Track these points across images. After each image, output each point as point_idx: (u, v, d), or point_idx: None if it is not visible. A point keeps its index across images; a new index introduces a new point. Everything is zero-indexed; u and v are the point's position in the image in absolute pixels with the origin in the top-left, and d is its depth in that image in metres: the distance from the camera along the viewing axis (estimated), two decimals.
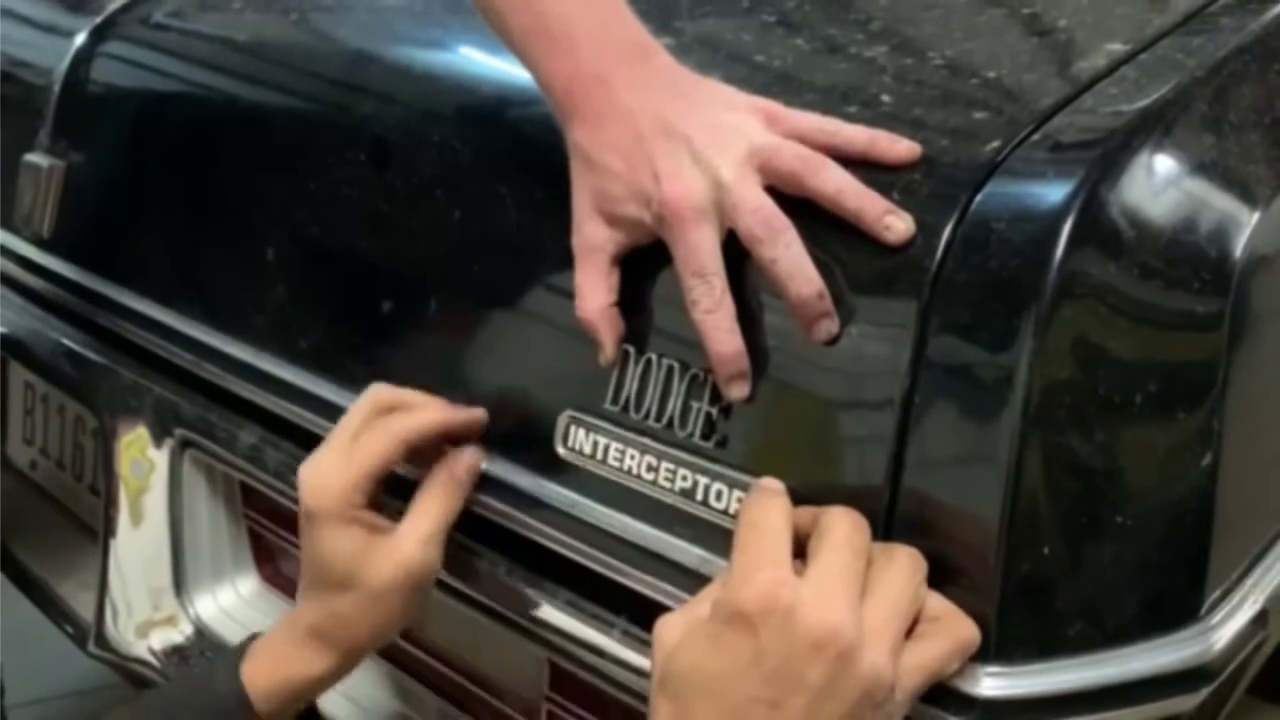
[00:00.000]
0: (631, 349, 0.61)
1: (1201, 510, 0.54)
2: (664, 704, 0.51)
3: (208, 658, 0.83)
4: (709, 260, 0.56)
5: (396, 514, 0.66)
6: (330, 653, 0.65)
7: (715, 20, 0.77)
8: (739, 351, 0.56)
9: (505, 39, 0.64)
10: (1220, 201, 0.57)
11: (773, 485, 0.55)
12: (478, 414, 0.67)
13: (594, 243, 0.60)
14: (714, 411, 0.59)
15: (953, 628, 0.51)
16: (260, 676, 0.65)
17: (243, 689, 0.65)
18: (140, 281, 0.90)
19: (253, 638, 0.69)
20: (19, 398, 1.06)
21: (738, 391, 0.57)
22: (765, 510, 0.53)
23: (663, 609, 0.60)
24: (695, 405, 0.59)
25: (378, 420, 0.66)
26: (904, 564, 0.52)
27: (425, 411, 0.66)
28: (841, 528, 0.52)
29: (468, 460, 0.66)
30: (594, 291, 0.60)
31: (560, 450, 0.64)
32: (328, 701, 0.76)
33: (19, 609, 1.00)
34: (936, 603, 0.52)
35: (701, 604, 0.52)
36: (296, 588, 0.87)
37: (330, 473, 0.64)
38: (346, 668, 0.67)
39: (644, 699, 0.62)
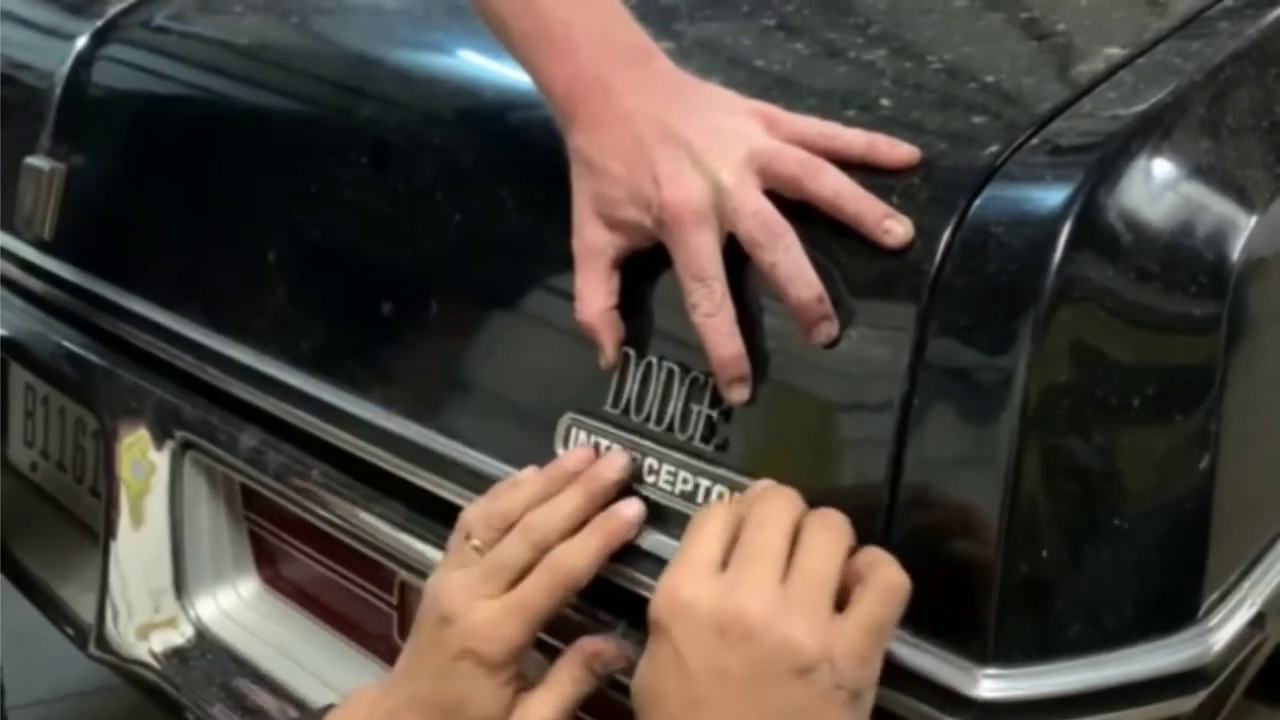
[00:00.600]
0: (632, 352, 0.61)
1: (1199, 512, 0.55)
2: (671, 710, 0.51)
3: None
4: (709, 264, 0.56)
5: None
6: None
7: (715, 24, 0.77)
8: (739, 355, 0.56)
9: (506, 43, 0.64)
10: (1218, 205, 0.57)
11: (718, 502, 0.55)
12: (632, 518, 0.60)
13: (594, 246, 0.60)
14: (714, 414, 0.59)
15: (881, 579, 0.51)
16: None
17: None
18: (141, 284, 0.91)
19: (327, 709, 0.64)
20: (20, 400, 1.06)
21: (738, 394, 0.57)
22: (698, 518, 0.54)
23: None
24: (696, 408, 0.59)
25: (544, 565, 0.58)
26: (825, 530, 0.52)
27: (590, 547, 0.59)
28: (760, 507, 0.53)
29: (612, 652, 0.59)
30: (594, 294, 0.60)
31: (560, 453, 0.64)
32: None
33: (20, 610, 1.00)
34: (864, 557, 0.51)
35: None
36: (297, 590, 0.88)
37: (502, 622, 0.57)
38: None
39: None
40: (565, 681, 0.59)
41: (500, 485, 0.63)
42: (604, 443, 0.63)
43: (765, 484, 0.55)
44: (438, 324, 0.73)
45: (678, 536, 0.60)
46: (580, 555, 0.58)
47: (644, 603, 0.60)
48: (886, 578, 0.51)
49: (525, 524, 0.59)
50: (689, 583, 0.51)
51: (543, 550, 0.58)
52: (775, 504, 0.53)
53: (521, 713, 0.58)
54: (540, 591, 0.58)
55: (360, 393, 0.75)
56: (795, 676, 0.48)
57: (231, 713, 0.83)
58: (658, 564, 0.60)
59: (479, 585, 0.58)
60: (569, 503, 0.60)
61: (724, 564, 0.52)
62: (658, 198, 0.57)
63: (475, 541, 0.60)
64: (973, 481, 0.53)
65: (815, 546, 0.51)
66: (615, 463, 0.60)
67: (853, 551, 0.52)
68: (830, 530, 0.52)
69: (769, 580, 0.50)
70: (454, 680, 0.58)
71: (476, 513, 0.61)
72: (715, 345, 0.56)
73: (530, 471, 0.63)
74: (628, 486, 0.61)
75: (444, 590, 0.59)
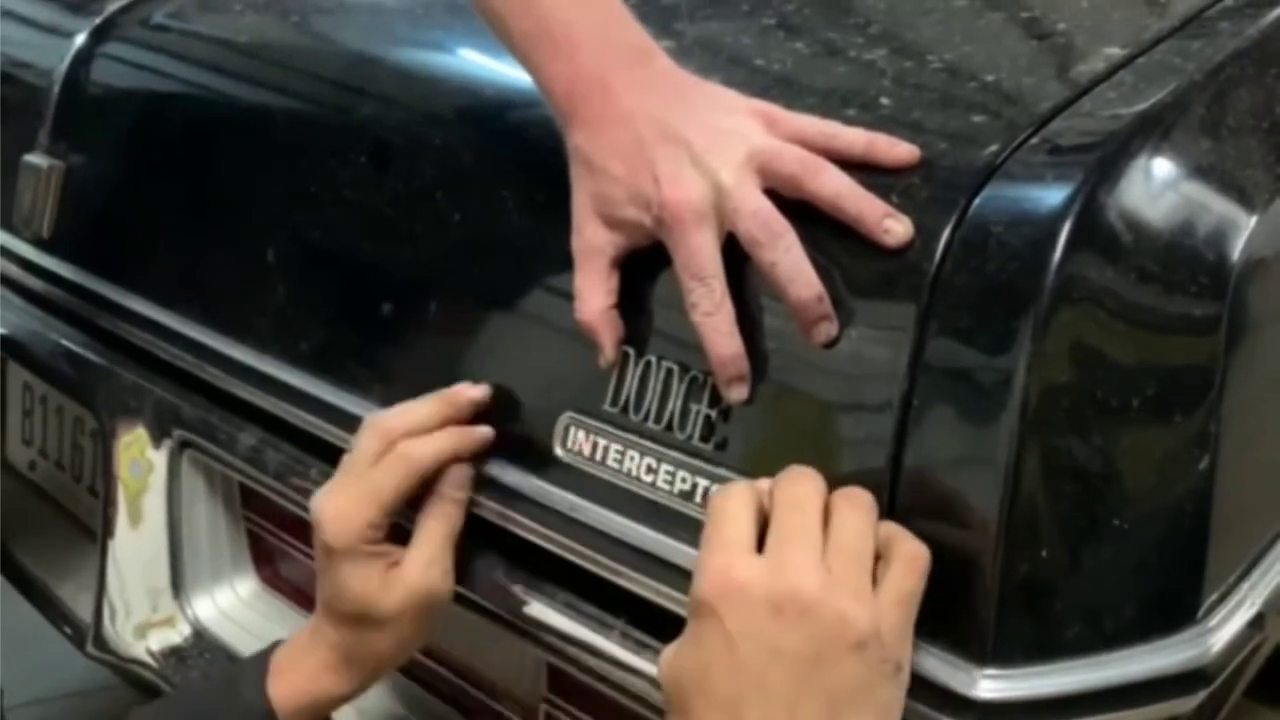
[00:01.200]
0: (631, 351, 0.61)
1: (1199, 513, 0.55)
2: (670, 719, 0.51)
3: (225, 666, 0.83)
4: (709, 263, 0.56)
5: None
6: (354, 674, 0.67)
7: (715, 24, 0.77)
8: (738, 354, 0.56)
9: (506, 42, 0.64)
10: (1218, 205, 0.57)
11: (737, 481, 0.55)
12: (483, 432, 0.67)
13: (594, 245, 0.60)
14: (713, 414, 0.59)
15: (904, 552, 0.51)
16: (286, 695, 0.67)
17: (269, 705, 0.66)
18: (140, 283, 0.90)
19: (271, 648, 0.69)
20: (18, 398, 1.06)
21: (737, 394, 0.57)
22: (722, 500, 0.54)
23: (661, 611, 0.60)
24: (694, 407, 0.59)
25: (391, 452, 0.65)
26: (855, 509, 0.52)
27: (435, 441, 0.66)
28: (790, 490, 0.53)
29: (456, 477, 0.66)
30: (593, 294, 0.60)
31: (559, 452, 0.64)
32: None
33: (18, 610, 1.00)
34: (881, 533, 0.52)
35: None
36: (295, 590, 0.88)
37: (348, 508, 0.64)
38: (367, 686, 0.69)
39: (642, 701, 0.62)
40: (433, 521, 0.65)
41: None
42: (602, 442, 0.63)
43: (791, 469, 0.55)
44: (437, 324, 0.73)
45: (676, 536, 0.60)
46: (425, 445, 0.65)
47: (642, 603, 0.60)
48: (909, 550, 0.52)
49: (375, 422, 0.66)
50: (735, 564, 0.50)
51: (390, 443, 0.65)
52: (805, 486, 0.53)
53: (401, 573, 0.64)
54: (383, 472, 0.64)
55: (359, 392, 0.75)
56: (852, 652, 0.49)
57: None
58: (656, 565, 0.60)
59: (334, 483, 0.66)
60: (423, 407, 0.66)
61: (758, 544, 0.52)
62: (658, 197, 0.56)
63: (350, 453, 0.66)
64: (972, 481, 0.52)
65: (848, 524, 0.52)
66: (478, 387, 0.67)
67: None
68: (859, 507, 0.52)
69: (815, 559, 0.50)
70: (326, 576, 0.65)
71: (362, 430, 0.67)
72: (714, 344, 0.56)
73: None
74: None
75: (313, 496, 0.66)
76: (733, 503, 0.53)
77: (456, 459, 0.66)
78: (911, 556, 0.51)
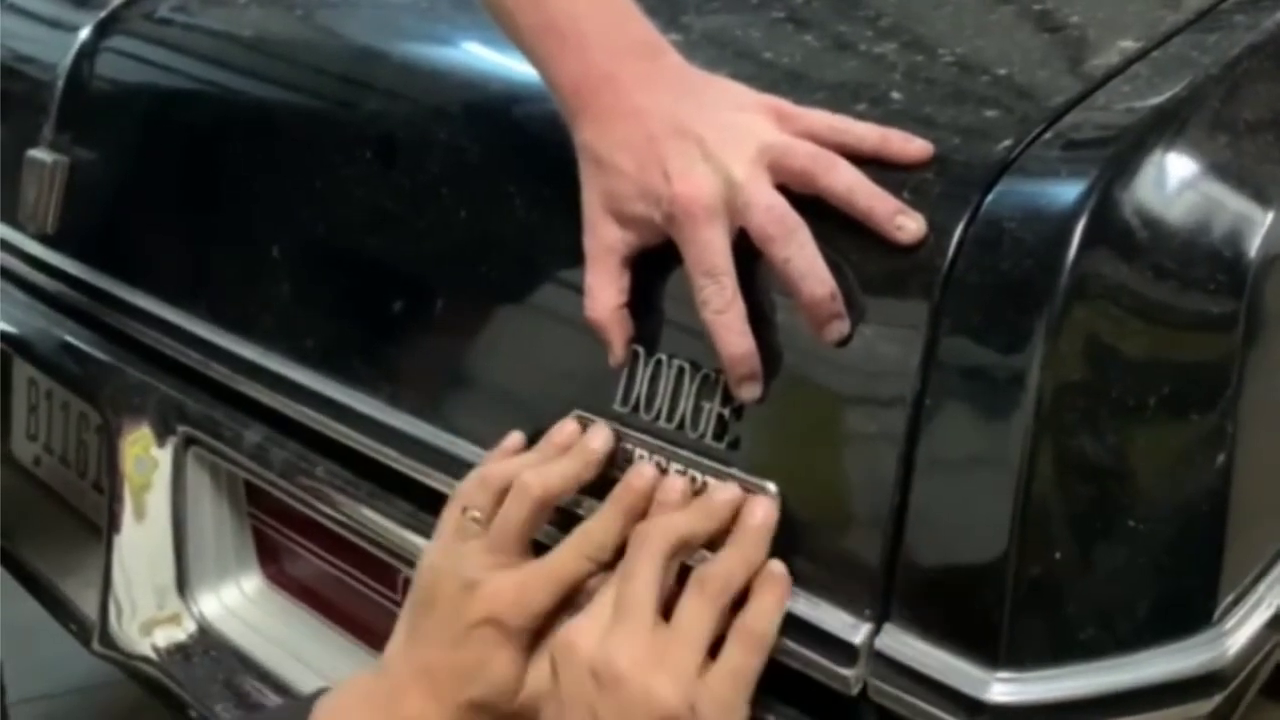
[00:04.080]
0: (642, 349, 0.61)
1: (1215, 513, 0.54)
2: None
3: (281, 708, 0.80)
4: (720, 260, 0.55)
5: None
6: None
7: (724, 17, 0.76)
8: (750, 352, 0.55)
9: (513, 37, 0.63)
10: (1235, 201, 0.56)
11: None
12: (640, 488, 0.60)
13: (607, 243, 0.59)
14: (725, 412, 0.58)
15: (744, 628, 0.54)
16: None
17: None
18: (144, 278, 0.90)
19: (314, 698, 0.62)
20: (23, 394, 1.06)
21: (749, 392, 0.56)
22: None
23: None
24: (706, 406, 0.59)
25: (570, 538, 0.59)
26: (697, 594, 0.54)
27: (612, 522, 0.59)
28: (630, 562, 0.56)
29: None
30: (604, 292, 0.59)
31: None
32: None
33: (22, 606, 1.00)
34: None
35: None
36: (300, 587, 0.87)
37: (529, 590, 0.58)
38: None
39: None
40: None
41: (489, 455, 0.64)
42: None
43: (641, 526, 0.57)
44: (443, 321, 0.73)
45: None
46: (605, 528, 0.59)
47: None
48: (751, 627, 0.54)
49: (519, 485, 0.60)
50: (576, 623, 0.55)
51: (543, 508, 0.59)
52: (642, 553, 0.55)
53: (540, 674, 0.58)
54: (569, 559, 0.58)
55: (365, 389, 0.75)
56: None
57: (234, 710, 0.83)
58: None
59: (494, 554, 0.59)
60: (562, 465, 0.61)
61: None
62: (668, 193, 0.56)
63: (474, 512, 0.60)
64: (985, 481, 0.52)
65: (690, 606, 0.54)
66: (602, 434, 0.61)
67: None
68: (708, 587, 0.54)
69: (641, 633, 0.53)
70: (471, 648, 0.58)
71: (471, 484, 0.62)
72: (726, 343, 0.55)
73: (516, 436, 0.64)
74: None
75: (462, 560, 0.59)
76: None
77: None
78: (749, 633, 0.54)
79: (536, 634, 0.58)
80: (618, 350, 0.60)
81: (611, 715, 0.52)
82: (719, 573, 0.55)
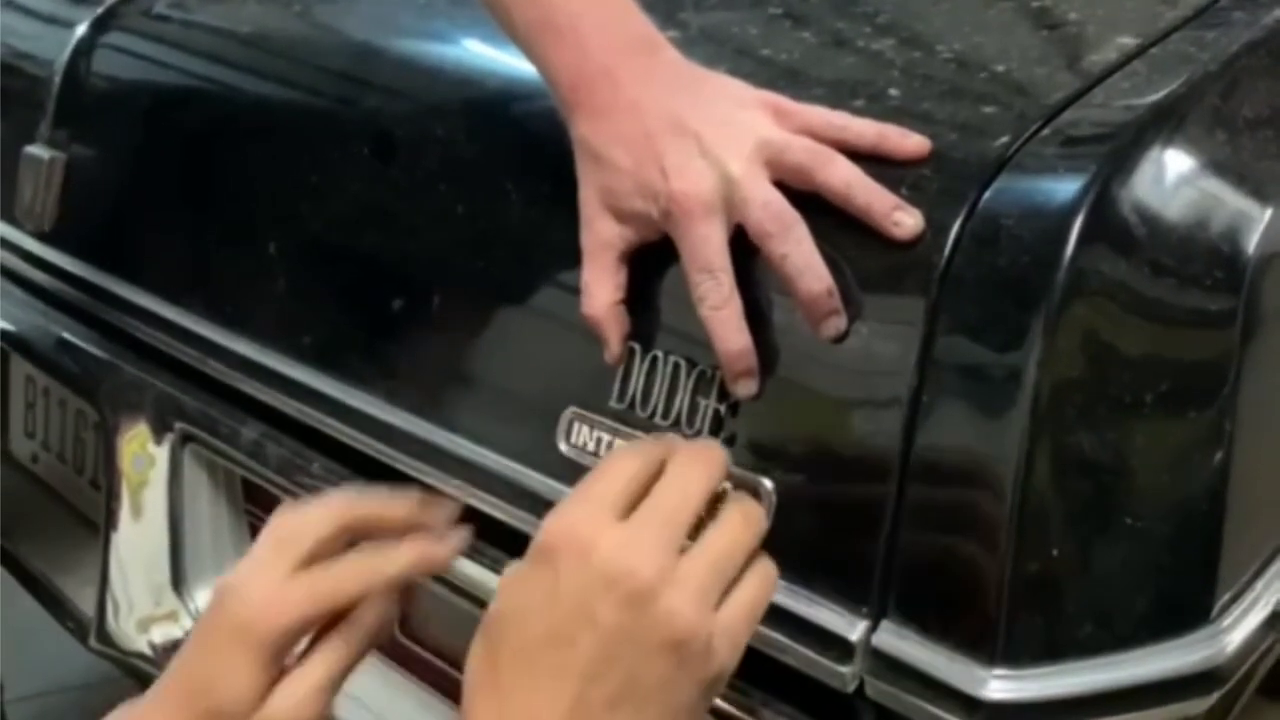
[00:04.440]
0: (638, 346, 0.61)
1: (1213, 511, 0.54)
2: (477, 644, 0.50)
3: None
4: (716, 256, 0.55)
5: None
6: None
7: (721, 14, 0.76)
8: (747, 348, 0.55)
9: (510, 32, 0.63)
10: (1233, 198, 0.56)
11: (634, 444, 0.53)
12: (454, 549, 0.57)
13: (603, 240, 0.59)
14: (721, 409, 0.58)
15: (762, 567, 0.51)
16: None
17: None
18: (142, 275, 0.90)
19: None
20: (20, 391, 1.05)
21: (746, 389, 0.56)
22: (615, 456, 0.52)
23: None
24: (703, 403, 0.58)
25: (359, 551, 0.56)
26: (741, 518, 0.51)
27: (406, 555, 0.56)
28: (683, 469, 0.51)
29: (376, 614, 0.55)
30: (601, 289, 0.59)
31: (563, 447, 0.64)
32: (334, 702, 0.76)
33: (20, 603, 1.00)
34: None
35: None
36: None
37: (293, 597, 0.53)
38: None
39: None
40: (332, 650, 0.54)
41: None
42: (606, 438, 0.62)
43: (696, 442, 0.54)
44: (440, 317, 0.73)
45: None
46: (399, 557, 0.55)
47: None
48: (766, 567, 0.51)
49: (342, 507, 0.56)
50: (589, 521, 0.49)
51: (346, 531, 0.55)
52: (697, 468, 0.51)
53: (274, 698, 0.52)
54: (347, 572, 0.54)
55: (361, 386, 0.74)
56: (666, 649, 0.47)
57: None
58: None
59: (265, 560, 0.54)
60: (393, 508, 0.57)
61: (628, 510, 0.50)
62: (665, 189, 0.56)
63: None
64: (982, 478, 0.52)
65: (725, 531, 0.50)
66: (450, 504, 0.58)
67: None
68: (743, 517, 0.51)
69: (668, 548, 0.49)
70: (211, 658, 0.53)
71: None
72: (722, 339, 0.55)
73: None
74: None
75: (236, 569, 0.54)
76: (620, 461, 0.51)
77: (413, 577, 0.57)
78: (766, 573, 0.51)
79: (286, 648, 0.53)
80: (614, 347, 0.59)
81: (617, 627, 0.47)
82: (753, 503, 0.52)
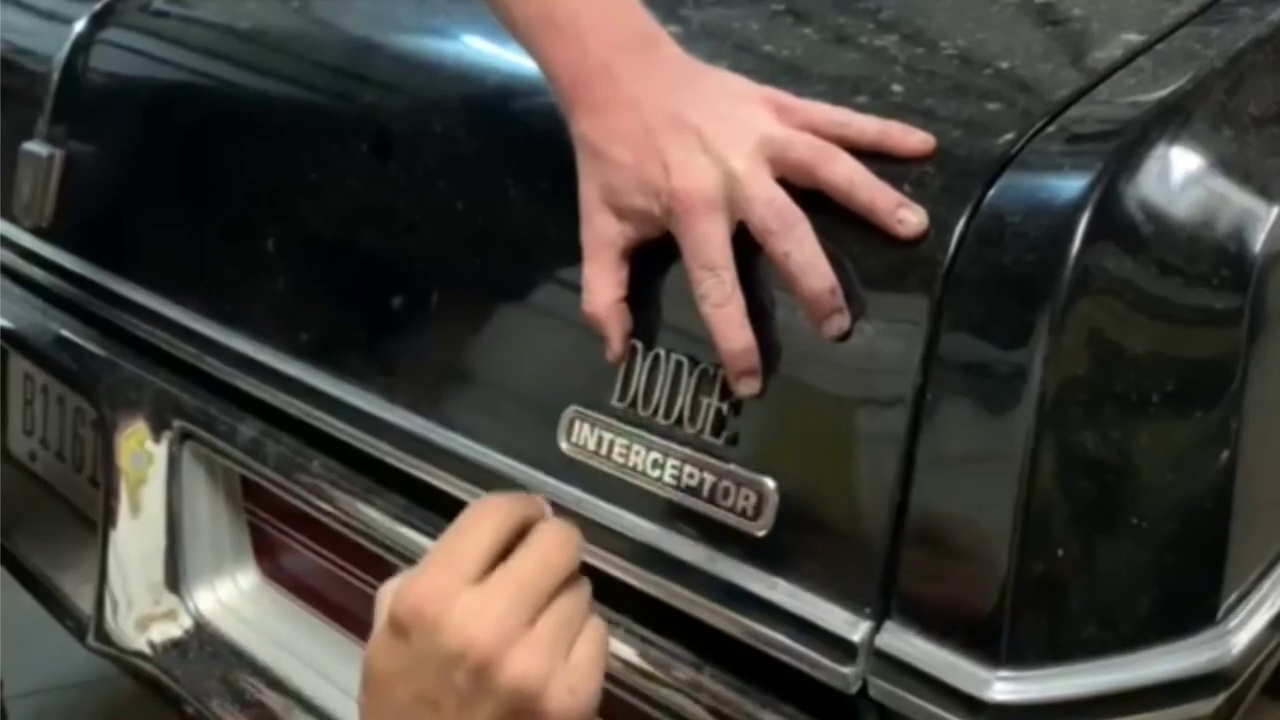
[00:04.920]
0: (639, 344, 0.60)
1: (1219, 510, 0.53)
2: (360, 699, 0.52)
3: None
4: (718, 253, 0.55)
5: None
6: None
7: (722, 9, 0.76)
8: (749, 347, 0.55)
9: (510, 28, 0.63)
10: (1240, 196, 0.56)
11: (497, 499, 0.53)
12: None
13: (604, 237, 0.58)
14: (724, 407, 0.57)
15: (595, 626, 0.52)
16: None
17: None
18: (141, 272, 0.90)
19: None
20: (18, 388, 1.05)
21: (748, 387, 0.56)
22: (474, 514, 0.52)
23: (666, 608, 0.59)
24: (705, 401, 0.58)
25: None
26: (573, 596, 0.51)
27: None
28: (539, 544, 0.51)
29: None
30: (603, 286, 0.59)
31: (564, 446, 0.63)
32: (333, 699, 0.76)
33: (19, 601, 0.99)
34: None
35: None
36: (296, 583, 0.87)
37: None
38: None
39: (646, 699, 0.61)
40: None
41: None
42: (608, 436, 0.61)
43: (549, 523, 0.53)
44: (440, 315, 0.72)
45: (683, 532, 0.59)
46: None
47: (648, 600, 0.59)
48: (596, 623, 0.52)
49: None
50: (437, 595, 0.49)
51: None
52: (555, 540, 0.52)
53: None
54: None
55: (361, 384, 0.74)
56: (524, 705, 0.49)
57: (229, 705, 0.83)
58: (662, 561, 0.59)
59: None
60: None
61: (483, 573, 0.50)
62: (667, 186, 0.55)
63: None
64: (986, 478, 0.51)
65: (565, 604, 0.51)
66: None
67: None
68: (578, 594, 0.52)
69: (519, 612, 0.49)
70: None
71: None
72: (725, 337, 0.55)
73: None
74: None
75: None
76: (479, 523, 0.51)
77: None
78: (601, 631, 0.52)
79: None
80: (615, 345, 0.59)
81: (477, 692, 0.49)
82: (571, 536, 0.53)
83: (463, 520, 0.52)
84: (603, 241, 0.59)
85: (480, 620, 0.49)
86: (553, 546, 0.52)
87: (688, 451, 0.58)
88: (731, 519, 0.57)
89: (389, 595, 0.51)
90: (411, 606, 0.50)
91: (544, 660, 0.49)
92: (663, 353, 0.60)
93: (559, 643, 0.50)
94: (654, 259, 0.59)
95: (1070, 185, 0.52)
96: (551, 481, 0.64)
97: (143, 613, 0.87)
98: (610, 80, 0.58)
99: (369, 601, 0.79)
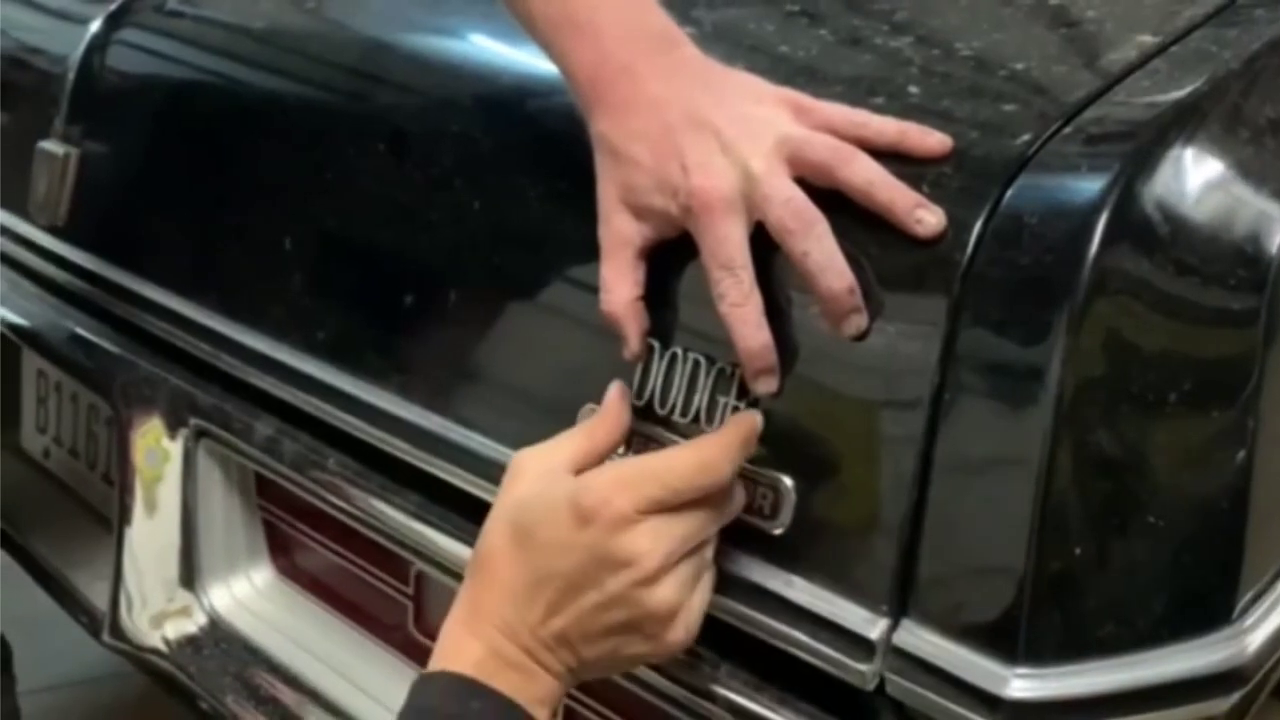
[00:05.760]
0: (656, 343, 0.61)
1: (1235, 510, 0.54)
2: (500, 538, 0.57)
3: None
4: (737, 252, 0.55)
5: None
6: None
7: (737, 10, 0.76)
8: (767, 345, 0.55)
9: (529, 28, 0.63)
10: (1256, 196, 0.56)
11: (712, 467, 0.56)
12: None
13: (623, 236, 0.59)
14: (741, 406, 0.58)
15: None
16: None
17: None
18: (156, 270, 0.90)
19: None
20: (32, 386, 1.06)
21: (766, 386, 0.56)
22: (688, 465, 0.56)
23: None
24: (722, 400, 0.58)
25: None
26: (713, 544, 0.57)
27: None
28: (713, 508, 0.56)
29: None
30: (620, 285, 0.59)
31: None
32: (348, 696, 0.76)
33: (30, 596, 1.00)
34: None
35: (561, 453, 0.58)
36: (310, 579, 0.87)
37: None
38: None
39: (665, 696, 0.61)
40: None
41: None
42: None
43: (730, 497, 0.58)
44: (456, 313, 0.73)
45: None
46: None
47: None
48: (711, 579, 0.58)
49: None
50: (629, 509, 0.55)
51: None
52: (721, 516, 0.57)
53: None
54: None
55: (377, 382, 0.74)
56: (648, 620, 0.55)
57: (244, 701, 0.83)
58: None
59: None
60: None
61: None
62: (686, 185, 0.56)
63: None
64: (1004, 477, 0.52)
65: (704, 554, 0.57)
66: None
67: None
68: (710, 547, 0.58)
69: (677, 551, 0.55)
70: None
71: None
72: (743, 336, 0.55)
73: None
74: None
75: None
76: (683, 476, 0.55)
77: None
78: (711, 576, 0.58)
79: None
80: (633, 344, 0.59)
81: (619, 596, 0.55)
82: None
83: (676, 455, 0.57)
84: (620, 241, 0.59)
85: (656, 545, 0.54)
86: (720, 515, 0.57)
87: None
88: (749, 517, 0.57)
89: (557, 465, 0.57)
90: (604, 503, 0.54)
91: (681, 596, 0.55)
92: (680, 351, 0.60)
93: (694, 584, 0.56)
94: (671, 259, 0.59)
95: (1088, 186, 0.53)
96: None
97: (157, 609, 0.88)
98: (630, 80, 0.58)
99: (383, 598, 0.80)
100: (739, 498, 0.57)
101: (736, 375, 0.58)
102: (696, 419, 0.59)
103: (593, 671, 0.58)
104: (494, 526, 0.57)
